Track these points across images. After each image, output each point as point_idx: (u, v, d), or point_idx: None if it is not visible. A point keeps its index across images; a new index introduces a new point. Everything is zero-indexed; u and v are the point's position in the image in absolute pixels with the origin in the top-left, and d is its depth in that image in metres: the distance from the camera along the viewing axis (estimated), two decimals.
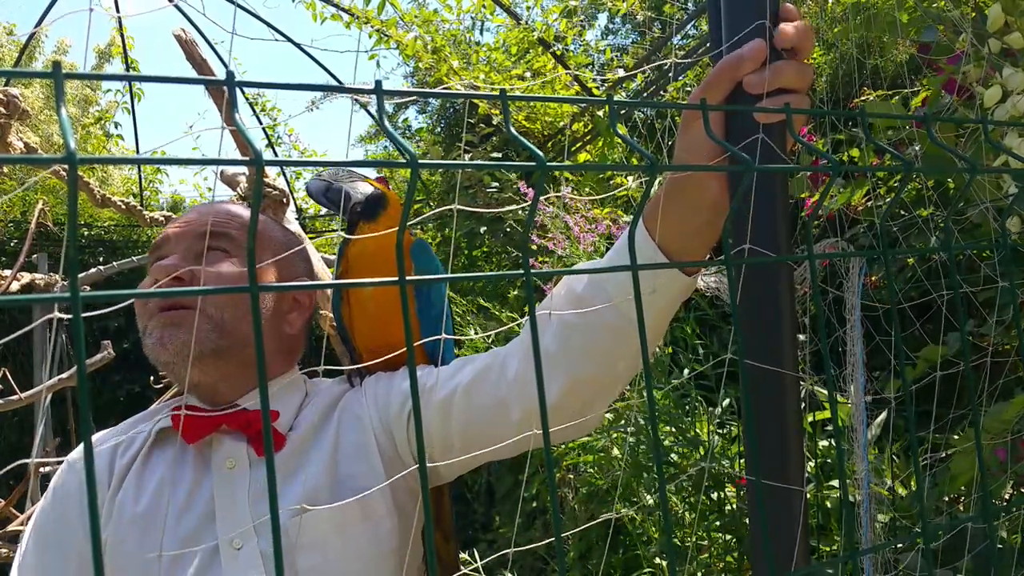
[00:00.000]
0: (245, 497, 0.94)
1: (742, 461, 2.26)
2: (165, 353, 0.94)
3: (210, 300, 0.96)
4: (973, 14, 1.14)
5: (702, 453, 2.33)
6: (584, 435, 1.05)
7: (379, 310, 1.06)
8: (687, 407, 2.45)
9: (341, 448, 0.99)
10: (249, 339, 1.00)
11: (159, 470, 0.97)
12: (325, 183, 1.05)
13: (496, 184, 3.73)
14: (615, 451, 2.51)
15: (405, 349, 1.00)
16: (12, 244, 5.77)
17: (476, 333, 2.75)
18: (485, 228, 3.75)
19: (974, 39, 1.09)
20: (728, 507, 2.31)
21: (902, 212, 1.84)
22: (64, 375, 2.29)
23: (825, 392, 2.07)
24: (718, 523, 2.32)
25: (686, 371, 2.47)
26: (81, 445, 1.06)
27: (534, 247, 2.59)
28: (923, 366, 1.52)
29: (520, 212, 3.55)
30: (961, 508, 1.78)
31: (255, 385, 1.01)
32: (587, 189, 3.44)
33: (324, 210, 6.53)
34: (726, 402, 2.47)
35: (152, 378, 1.75)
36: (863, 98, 1.72)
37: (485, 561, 0.99)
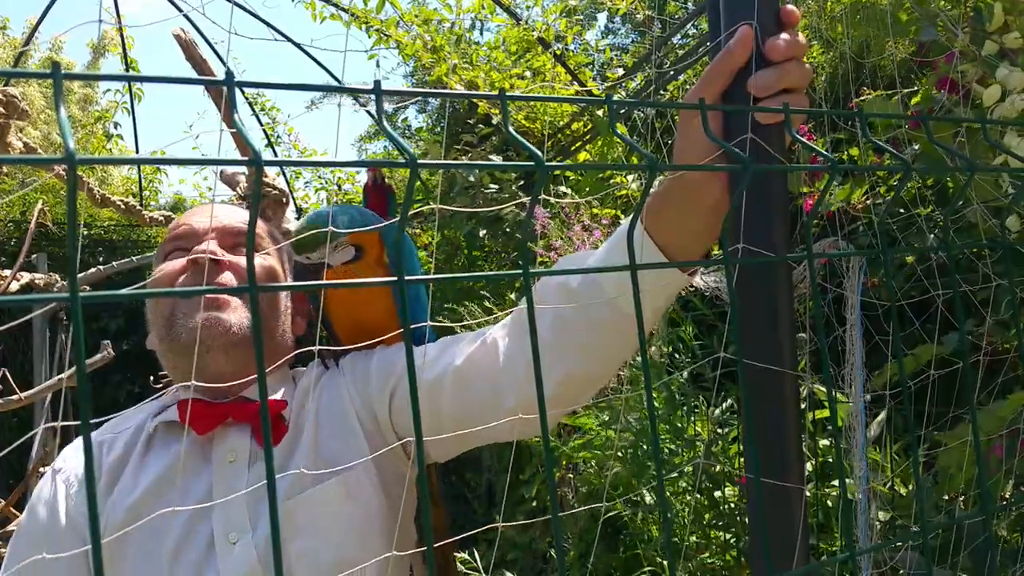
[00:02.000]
0: (243, 491, 0.94)
1: (742, 460, 2.26)
2: (207, 334, 0.95)
3: (244, 301, 0.99)
4: (970, 13, 1.14)
5: (699, 452, 2.33)
6: (564, 416, 1.06)
7: (355, 295, 1.07)
8: (684, 407, 2.46)
9: (322, 430, 1.00)
10: (275, 332, 1.06)
11: (157, 463, 0.97)
12: (307, 267, 1.03)
13: (495, 185, 3.73)
14: (613, 448, 2.51)
15: (377, 328, 1.02)
16: (12, 244, 5.76)
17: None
18: (485, 231, 3.74)
19: (971, 38, 1.09)
20: (726, 507, 2.31)
21: (901, 211, 1.84)
22: (64, 375, 2.29)
23: (824, 391, 2.07)
24: (718, 522, 2.32)
25: (685, 372, 2.47)
26: (64, 450, 1.06)
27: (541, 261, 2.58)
28: (912, 363, 1.52)
29: (519, 213, 3.54)
30: (962, 507, 1.78)
31: (247, 370, 1.02)
32: (587, 188, 3.43)
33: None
34: (727, 403, 2.47)
35: (152, 377, 1.75)
36: (862, 98, 1.72)
37: (466, 532, 0.99)
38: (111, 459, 0.99)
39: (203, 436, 0.97)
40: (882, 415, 1.91)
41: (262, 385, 0.32)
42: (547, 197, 2.89)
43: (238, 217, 1.08)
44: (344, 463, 0.97)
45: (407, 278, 0.36)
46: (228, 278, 1.00)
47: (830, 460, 2.17)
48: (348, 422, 1.00)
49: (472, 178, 3.62)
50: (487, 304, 2.90)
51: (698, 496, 2.35)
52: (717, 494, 2.34)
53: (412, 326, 1.09)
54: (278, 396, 1.02)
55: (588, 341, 0.87)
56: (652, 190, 0.82)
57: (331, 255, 1.02)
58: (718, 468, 2.31)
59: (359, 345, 1.05)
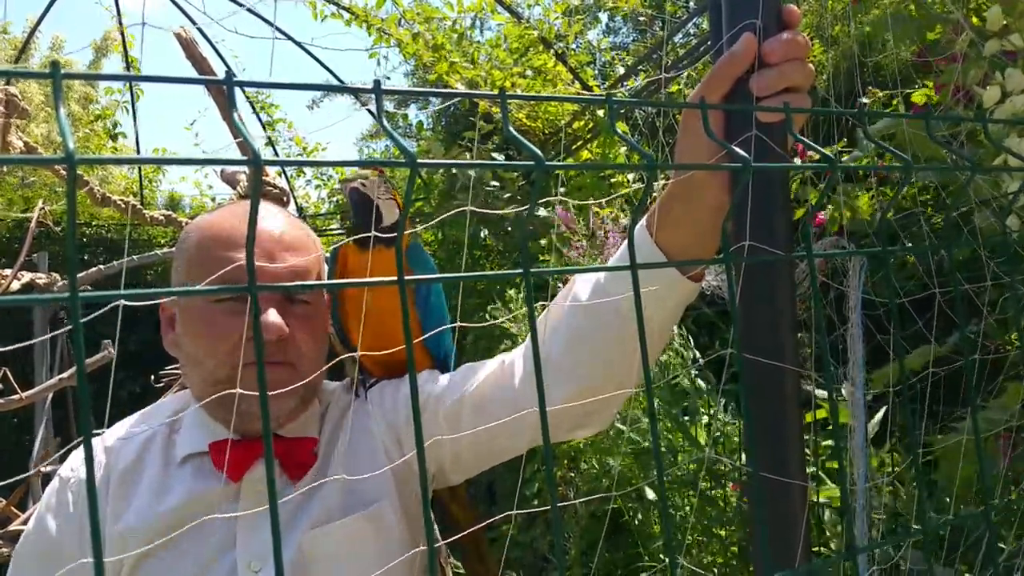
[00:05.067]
0: (268, 521, 0.93)
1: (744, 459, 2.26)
2: (256, 405, 0.92)
3: (305, 359, 0.96)
4: (976, 20, 1.14)
5: (705, 448, 2.33)
6: (590, 434, 1.06)
7: (379, 320, 1.05)
8: (686, 405, 2.46)
9: (351, 462, 0.99)
10: (317, 388, 1.03)
11: (181, 488, 0.95)
12: (365, 196, 1.03)
13: (496, 183, 3.72)
14: (616, 454, 2.51)
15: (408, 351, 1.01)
16: (14, 245, 5.76)
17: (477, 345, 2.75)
18: (486, 232, 3.74)
19: (974, 39, 1.09)
20: (727, 506, 2.31)
21: (904, 212, 1.84)
22: (64, 374, 2.29)
23: (824, 392, 2.07)
24: (720, 520, 2.32)
25: (692, 368, 2.47)
26: (72, 456, 1.04)
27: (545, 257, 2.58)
28: (913, 363, 1.52)
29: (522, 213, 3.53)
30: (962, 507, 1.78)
31: (296, 415, 1.00)
32: (588, 183, 3.42)
33: (324, 209, 6.51)
34: (727, 402, 2.47)
35: (153, 376, 1.75)
36: (865, 100, 1.72)
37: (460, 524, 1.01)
38: (121, 467, 0.97)
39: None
40: (878, 416, 1.91)
41: (263, 391, 0.32)
42: (550, 199, 2.89)
43: (293, 246, 0.98)
44: (371, 495, 0.97)
45: (408, 278, 0.36)
46: (294, 355, 0.95)
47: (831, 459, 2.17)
48: (375, 454, 1.00)
49: (473, 175, 3.62)
50: (486, 303, 2.90)
51: (698, 493, 2.35)
52: (718, 492, 2.34)
53: (436, 348, 1.09)
54: (309, 431, 1.01)
55: (599, 354, 0.87)
56: (654, 192, 0.83)
57: (381, 202, 1.02)
58: (718, 466, 2.31)
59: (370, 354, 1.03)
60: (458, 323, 1.04)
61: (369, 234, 1.02)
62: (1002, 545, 1.56)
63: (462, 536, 1.16)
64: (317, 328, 0.99)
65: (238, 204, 1.03)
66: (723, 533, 2.31)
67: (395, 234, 1.04)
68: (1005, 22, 1.05)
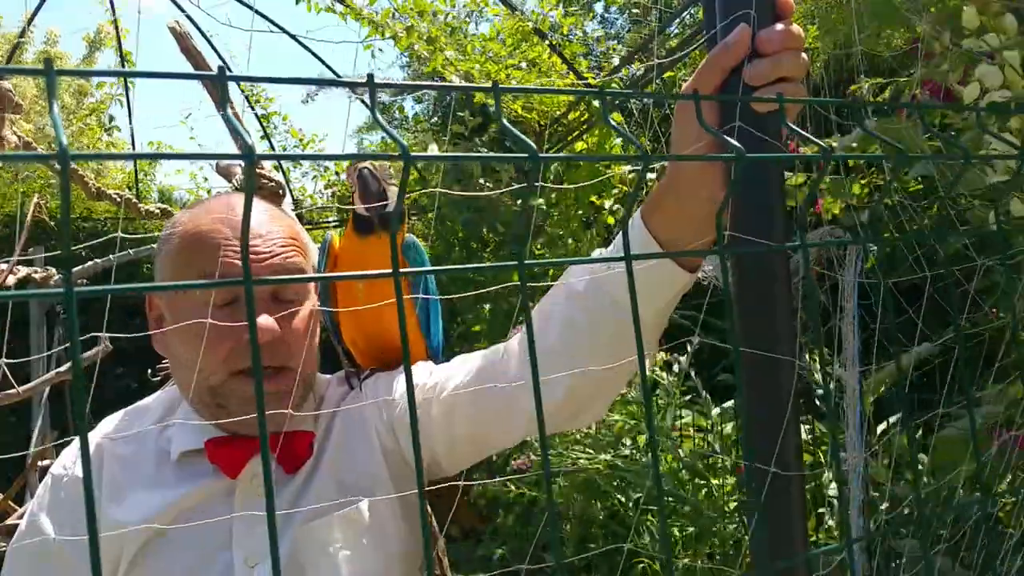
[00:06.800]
0: (264, 517, 0.92)
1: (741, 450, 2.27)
2: (250, 410, 0.92)
3: (296, 357, 0.95)
4: (951, 13, 1.13)
5: (701, 445, 2.34)
6: (583, 426, 1.06)
7: (374, 310, 1.05)
8: (677, 400, 2.47)
9: (345, 454, 0.99)
10: (312, 381, 1.02)
11: (176, 485, 0.95)
12: (377, 182, 1.04)
13: (488, 177, 3.72)
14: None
15: (401, 344, 1.01)
16: (12, 240, 5.72)
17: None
18: (484, 223, 3.73)
19: (951, 38, 1.09)
20: (725, 498, 2.32)
21: (900, 201, 1.84)
22: (62, 368, 2.29)
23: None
24: (715, 513, 2.33)
25: (683, 359, 2.48)
26: (64, 454, 1.03)
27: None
28: (906, 366, 1.52)
29: (509, 202, 3.53)
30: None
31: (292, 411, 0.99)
32: (583, 175, 3.42)
33: (320, 202, 6.49)
34: (727, 403, 2.48)
35: (150, 371, 1.75)
36: (857, 85, 1.72)
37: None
38: (115, 465, 0.97)
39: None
40: (893, 419, 1.91)
41: (259, 391, 0.32)
42: (545, 184, 2.88)
43: (285, 244, 0.97)
44: (366, 487, 0.96)
45: (403, 270, 0.36)
46: (286, 356, 0.95)
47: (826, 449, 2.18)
48: (370, 446, 0.99)
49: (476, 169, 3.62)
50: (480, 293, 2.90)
51: (692, 483, 2.35)
52: (716, 482, 2.35)
53: (431, 338, 1.10)
54: (305, 424, 1.00)
55: (595, 343, 0.87)
56: (649, 184, 0.83)
57: (387, 186, 1.03)
58: (713, 460, 2.32)
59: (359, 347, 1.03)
60: (450, 308, 1.04)
61: (371, 217, 1.03)
62: (1011, 531, 1.56)
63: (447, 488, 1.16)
64: (304, 323, 0.98)
65: (218, 200, 0.99)
66: (722, 525, 2.32)
67: (396, 221, 1.05)
68: (980, 21, 1.05)
